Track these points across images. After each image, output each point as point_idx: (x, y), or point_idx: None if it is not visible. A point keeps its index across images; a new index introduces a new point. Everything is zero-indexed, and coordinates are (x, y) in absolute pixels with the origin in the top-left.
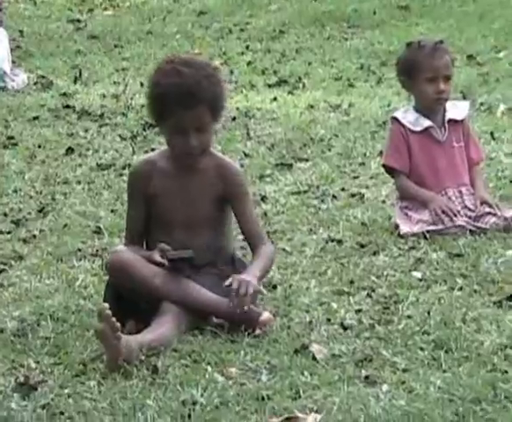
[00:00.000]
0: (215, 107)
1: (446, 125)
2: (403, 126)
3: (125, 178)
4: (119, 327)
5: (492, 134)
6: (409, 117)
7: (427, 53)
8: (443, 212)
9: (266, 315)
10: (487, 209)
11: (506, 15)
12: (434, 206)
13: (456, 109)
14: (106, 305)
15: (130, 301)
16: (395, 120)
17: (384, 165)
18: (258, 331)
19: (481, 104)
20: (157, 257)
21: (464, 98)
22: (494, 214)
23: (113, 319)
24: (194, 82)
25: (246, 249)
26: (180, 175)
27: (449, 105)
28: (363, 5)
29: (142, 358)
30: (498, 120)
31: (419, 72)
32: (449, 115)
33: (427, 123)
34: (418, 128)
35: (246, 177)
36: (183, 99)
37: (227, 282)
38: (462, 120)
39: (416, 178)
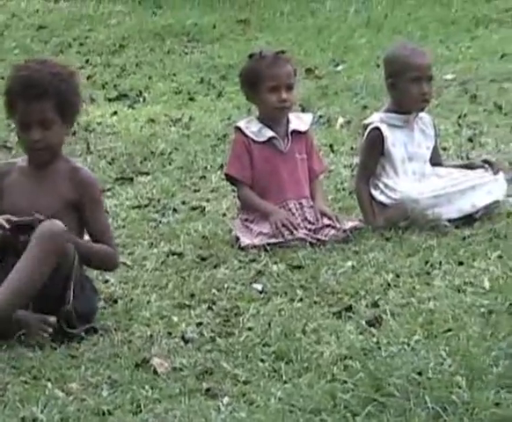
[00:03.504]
0: (62, 106)
1: (289, 136)
2: (246, 136)
3: None
4: None
5: (331, 146)
6: (252, 127)
7: (268, 62)
8: (283, 225)
9: None
10: (327, 221)
11: (343, 29)
12: (274, 219)
13: (299, 121)
14: None
15: None
16: (238, 129)
17: (226, 175)
18: None
19: (320, 117)
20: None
21: (303, 110)
22: (334, 227)
23: None
24: (39, 76)
25: None
26: (34, 175)
27: (292, 116)
28: (203, 19)
29: None
30: (337, 133)
31: (261, 82)
32: (292, 126)
33: (270, 134)
34: (261, 139)
35: (99, 184)
36: (26, 92)
37: None
38: (305, 132)
39: (259, 188)
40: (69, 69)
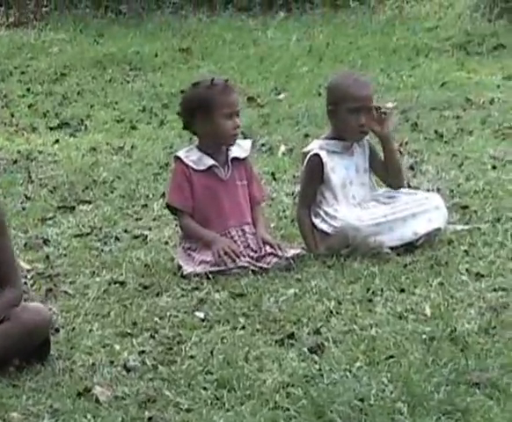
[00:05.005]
0: None
1: (229, 163)
2: (186, 165)
3: None
4: None
5: (273, 174)
6: (192, 156)
7: (220, 90)
8: (226, 253)
9: None
10: (269, 249)
11: (285, 58)
12: (216, 247)
13: (239, 148)
14: None
15: None
16: (178, 159)
17: (167, 204)
18: None
19: (262, 145)
20: None
21: (245, 138)
22: (276, 255)
23: None
24: None
25: None
26: None
27: None
28: (145, 48)
29: None
30: (279, 161)
31: (215, 109)
32: (232, 154)
33: (210, 162)
34: (201, 167)
35: (5, 212)
36: None
37: None
38: (244, 159)
39: (200, 217)
40: None
